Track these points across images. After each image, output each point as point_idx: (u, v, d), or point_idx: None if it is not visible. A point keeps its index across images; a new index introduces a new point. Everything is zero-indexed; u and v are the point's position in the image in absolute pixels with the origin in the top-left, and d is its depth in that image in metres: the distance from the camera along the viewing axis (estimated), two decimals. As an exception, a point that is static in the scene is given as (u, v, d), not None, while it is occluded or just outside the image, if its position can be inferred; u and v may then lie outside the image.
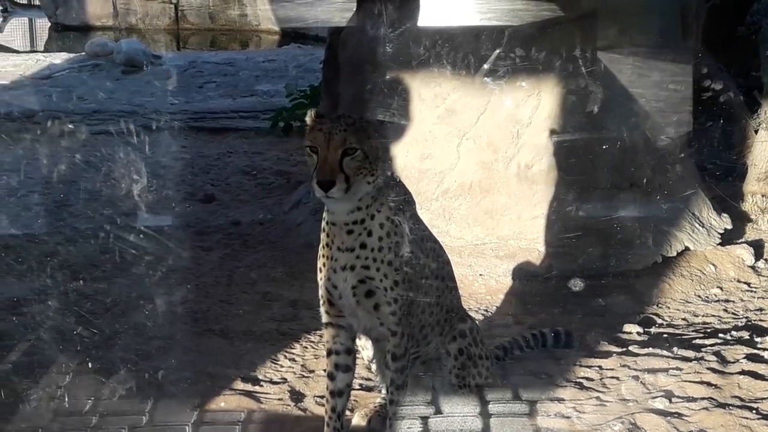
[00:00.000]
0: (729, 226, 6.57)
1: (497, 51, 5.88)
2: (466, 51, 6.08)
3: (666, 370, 4.71)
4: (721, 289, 5.92)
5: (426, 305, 4.03)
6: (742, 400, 4.34)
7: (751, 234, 6.78)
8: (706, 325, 5.42)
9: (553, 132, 5.89)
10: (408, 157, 6.27)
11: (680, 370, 4.71)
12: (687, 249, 6.16)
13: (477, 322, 4.52)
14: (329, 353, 4.03)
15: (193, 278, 6.03)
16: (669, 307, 5.69)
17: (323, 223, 3.87)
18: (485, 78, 6.00)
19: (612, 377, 4.71)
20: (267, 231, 6.98)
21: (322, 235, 3.86)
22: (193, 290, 5.85)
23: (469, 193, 6.12)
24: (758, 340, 5.05)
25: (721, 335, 5.17)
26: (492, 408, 4.32)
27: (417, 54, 6.25)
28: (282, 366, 4.94)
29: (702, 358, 4.83)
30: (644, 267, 5.94)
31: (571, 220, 5.88)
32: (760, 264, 6.28)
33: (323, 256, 3.87)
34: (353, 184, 3.56)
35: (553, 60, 5.87)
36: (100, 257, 6.27)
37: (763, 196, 7.34)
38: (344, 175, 3.53)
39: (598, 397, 4.49)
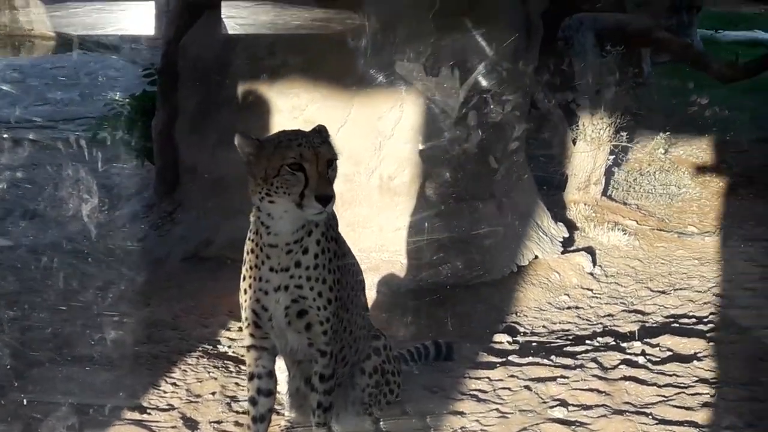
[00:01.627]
0: (566, 235, 6.88)
1: (362, 60, 5.84)
2: (325, 60, 6.00)
3: (554, 379, 4.87)
4: (569, 296, 6.18)
5: (347, 323, 3.95)
6: (634, 405, 4.55)
7: (581, 242, 7.11)
8: (566, 332, 5.64)
9: (415, 144, 5.90)
10: (266, 169, 6.09)
11: (566, 378, 4.88)
12: (536, 257, 6.35)
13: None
14: (251, 377, 3.88)
15: (41, 301, 5.59)
16: (527, 316, 5.87)
17: (249, 244, 3.71)
18: (347, 88, 5.95)
19: (504, 388, 4.81)
20: (108, 247, 6.58)
21: (250, 257, 3.71)
22: (47, 314, 5.43)
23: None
24: (625, 345, 5.31)
25: (588, 342, 5.40)
26: (391, 426, 4.31)
27: (272, 63, 6.12)
28: (165, 392, 4.69)
29: (582, 366, 5.03)
30: (502, 277, 6.07)
31: (434, 232, 5.93)
32: (597, 270, 6.60)
33: (250, 277, 3.71)
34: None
35: (416, 72, 5.88)
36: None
37: (585, 204, 7.74)
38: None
39: (497, 409, 4.57)
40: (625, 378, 4.85)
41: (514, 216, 6.29)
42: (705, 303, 6.00)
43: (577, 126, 7.98)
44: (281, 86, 6.13)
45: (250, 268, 3.70)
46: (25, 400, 4.40)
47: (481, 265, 6.01)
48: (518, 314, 5.86)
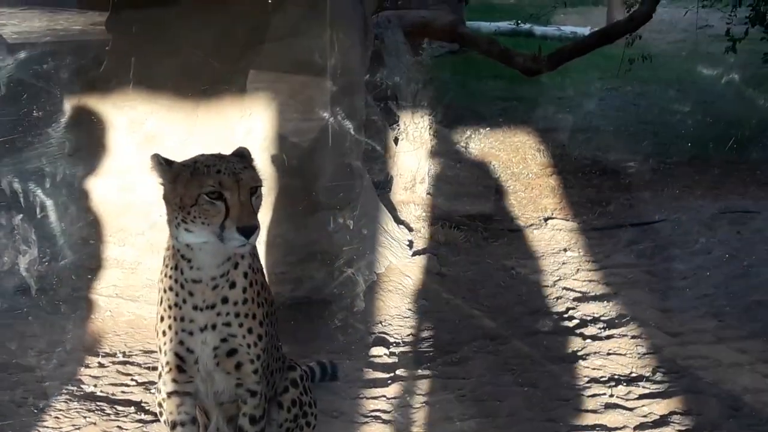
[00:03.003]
0: (410, 237, 6.81)
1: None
2: (159, 66, 5.60)
3: (450, 391, 4.77)
4: (426, 300, 6.09)
5: (270, 358, 3.67)
6: (539, 412, 4.50)
7: (418, 242, 7.04)
8: (436, 339, 5.54)
9: (268, 154, 5.61)
10: (107, 190, 5.63)
11: (461, 389, 4.79)
12: (391, 264, 6.24)
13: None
14: (174, 425, 3.54)
15: None
16: (392, 324, 5.75)
17: (167, 281, 3.36)
18: (189, 97, 5.58)
19: (405, 406, 4.65)
20: None
21: (167, 294, 3.37)
22: None
23: (180, 224, 5.62)
24: (502, 348, 5.27)
25: (465, 347, 5.34)
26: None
27: (102, 74, 5.64)
28: (40, 449, 4.20)
29: (468, 376, 4.94)
30: (366, 287, 5.92)
31: (293, 244, 5.69)
32: (444, 270, 6.56)
33: (170, 317, 3.36)
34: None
35: (262, 80, 5.60)
36: None
37: (414, 204, 7.70)
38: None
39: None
40: (519, 384, 4.81)
41: (366, 223, 6.12)
42: (557, 298, 6.07)
43: (398, 125, 7.91)
44: (114, 98, 5.63)
45: (170, 307, 3.36)
46: None
47: (341, 276, 5.81)
48: (384, 324, 5.72)
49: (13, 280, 5.60)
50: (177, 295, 3.33)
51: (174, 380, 3.46)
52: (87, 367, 5.00)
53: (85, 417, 4.45)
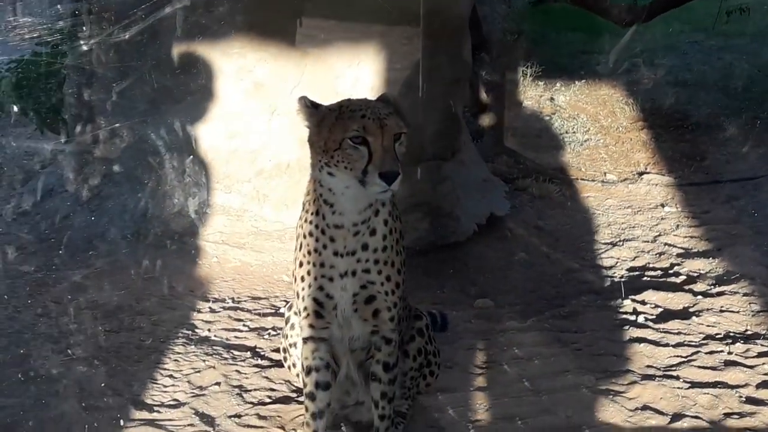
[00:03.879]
0: (506, 189, 6.74)
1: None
2: (271, 16, 5.56)
3: (564, 344, 4.75)
4: (526, 253, 6.05)
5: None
6: (658, 369, 4.48)
7: (513, 195, 6.96)
8: (541, 292, 5.52)
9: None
10: (214, 137, 5.67)
11: (576, 343, 4.76)
12: (492, 215, 6.18)
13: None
14: (309, 371, 3.56)
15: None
16: (495, 276, 5.73)
17: (307, 226, 3.36)
18: (298, 45, 5.55)
19: (517, 358, 4.65)
20: (33, 227, 5.95)
21: (307, 240, 3.36)
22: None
23: (285, 173, 5.68)
24: (613, 304, 5.24)
25: (573, 301, 5.32)
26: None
27: (210, 22, 5.63)
28: (165, 386, 4.31)
29: (582, 329, 4.91)
30: (466, 238, 5.89)
31: (398, 194, 5.65)
32: (541, 223, 6.52)
33: (309, 263, 3.36)
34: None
35: (371, 29, 5.55)
36: None
37: (508, 157, 7.64)
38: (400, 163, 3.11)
39: (522, 381, 4.38)
40: (634, 339, 4.76)
41: (467, 174, 6.08)
42: (659, 254, 5.98)
43: (490, 76, 7.82)
44: (224, 46, 5.63)
45: (309, 252, 3.36)
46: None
47: (446, 227, 5.79)
48: (486, 276, 5.70)
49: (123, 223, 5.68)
50: (317, 240, 3.33)
51: (311, 325, 3.47)
52: (198, 311, 5.05)
53: (203, 361, 4.50)
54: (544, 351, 4.68)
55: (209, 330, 4.85)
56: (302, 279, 3.41)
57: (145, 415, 4.02)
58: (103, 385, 4.20)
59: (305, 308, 3.44)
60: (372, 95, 5.27)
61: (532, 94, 9.30)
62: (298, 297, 3.47)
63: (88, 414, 3.94)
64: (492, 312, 5.20)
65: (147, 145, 5.64)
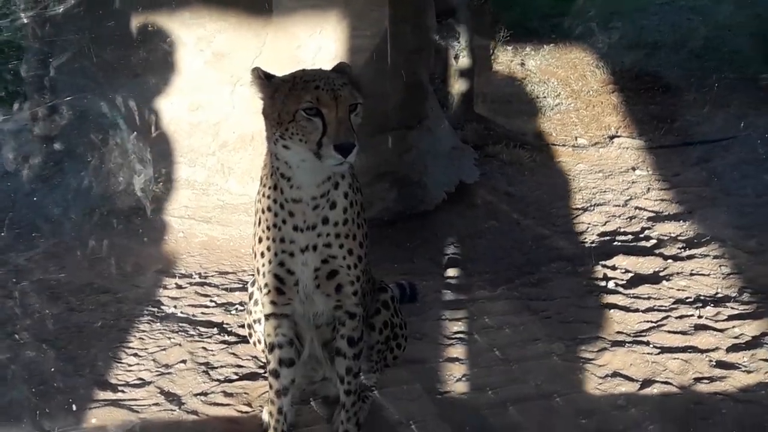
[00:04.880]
0: (476, 156, 6.66)
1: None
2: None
3: (533, 312, 4.71)
4: (496, 220, 5.99)
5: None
6: (628, 335, 4.46)
7: (484, 162, 6.89)
8: (511, 259, 5.46)
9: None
10: (175, 109, 5.56)
11: (545, 311, 4.73)
12: (461, 183, 6.11)
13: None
14: (272, 348, 3.50)
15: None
16: (465, 245, 5.66)
17: (265, 201, 3.28)
18: (259, 14, 5.43)
19: (487, 327, 4.63)
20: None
21: (266, 215, 3.29)
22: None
23: (250, 144, 5.58)
24: (582, 269, 5.19)
25: (543, 268, 5.27)
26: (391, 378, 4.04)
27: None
28: (129, 365, 4.25)
29: (552, 296, 4.88)
30: (435, 207, 5.81)
31: (363, 165, 5.57)
32: (512, 190, 6.46)
33: (268, 239, 3.28)
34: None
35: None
36: None
37: (477, 123, 7.56)
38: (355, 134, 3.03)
39: (493, 351, 4.34)
40: (604, 306, 4.73)
41: (434, 142, 6.00)
42: (630, 218, 5.94)
43: (458, 42, 7.72)
44: (182, 16, 5.50)
45: (268, 228, 3.28)
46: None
47: (414, 196, 5.71)
48: (456, 245, 5.65)
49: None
50: (276, 215, 3.26)
51: (273, 302, 3.40)
52: (164, 287, 4.97)
53: (169, 338, 4.44)
54: (514, 320, 4.65)
55: (175, 306, 4.78)
56: (262, 255, 3.33)
57: (108, 395, 3.96)
58: (63, 365, 4.11)
59: (266, 284, 3.37)
60: (334, 64, 5.22)
61: (502, 59, 9.20)
62: (258, 273, 3.39)
63: (49, 396, 3.85)
64: (462, 281, 5.14)
65: (104, 119, 5.50)
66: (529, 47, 9.57)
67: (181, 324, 4.58)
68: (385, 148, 5.63)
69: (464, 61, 7.75)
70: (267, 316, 3.45)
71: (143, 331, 4.50)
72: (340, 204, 3.26)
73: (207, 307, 4.79)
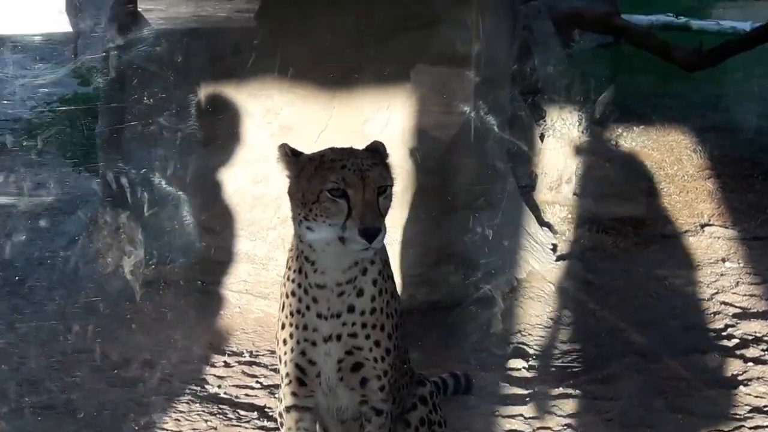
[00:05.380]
0: (554, 241, 6.39)
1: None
2: (300, 56, 5.34)
3: (598, 414, 4.35)
4: (570, 310, 5.67)
5: (397, 373, 3.35)
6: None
7: (564, 246, 6.60)
8: (580, 352, 5.13)
9: (406, 149, 5.31)
10: (239, 182, 5.46)
11: (607, 412, 4.37)
12: (534, 268, 5.84)
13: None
14: None
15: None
16: (532, 335, 5.37)
17: (289, 285, 3.09)
18: (326, 88, 5.32)
19: (544, 428, 4.27)
20: (50, 274, 5.80)
21: (290, 300, 3.10)
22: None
23: (312, 220, 5.39)
24: (656, 366, 4.82)
25: (614, 363, 4.95)
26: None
27: (239, 61, 5.44)
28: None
29: (618, 396, 4.53)
30: (503, 292, 5.54)
31: (429, 246, 5.36)
32: (591, 277, 6.13)
33: (291, 325, 3.08)
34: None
35: (402, 70, 5.30)
36: None
37: (559, 205, 7.27)
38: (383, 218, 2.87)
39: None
40: (674, 409, 4.37)
41: (507, 224, 5.75)
42: (714, 313, 5.56)
43: (545, 121, 7.49)
44: (251, 87, 5.43)
45: (292, 314, 3.09)
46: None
47: (479, 280, 5.46)
48: (523, 333, 5.36)
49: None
50: (300, 301, 3.08)
51: (293, 393, 3.21)
52: (213, 366, 4.83)
53: (206, 421, 4.26)
54: (574, 421, 4.31)
55: (219, 386, 4.62)
56: (284, 342, 3.15)
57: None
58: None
59: (287, 374, 3.19)
60: (403, 140, 5.07)
61: (593, 139, 8.88)
62: (281, 362, 3.21)
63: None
64: (524, 374, 4.85)
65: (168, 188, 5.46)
66: (622, 128, 9.24)
67: (221, 406, 4.41)
68: (452, 228, 5.41)
69: (550, 140, 7.51)
70: (288, 408, 3.26)
71: (180, 411, 4.35)
72: (368, 291, 3.06)
73: (252, 388, 4.63)
